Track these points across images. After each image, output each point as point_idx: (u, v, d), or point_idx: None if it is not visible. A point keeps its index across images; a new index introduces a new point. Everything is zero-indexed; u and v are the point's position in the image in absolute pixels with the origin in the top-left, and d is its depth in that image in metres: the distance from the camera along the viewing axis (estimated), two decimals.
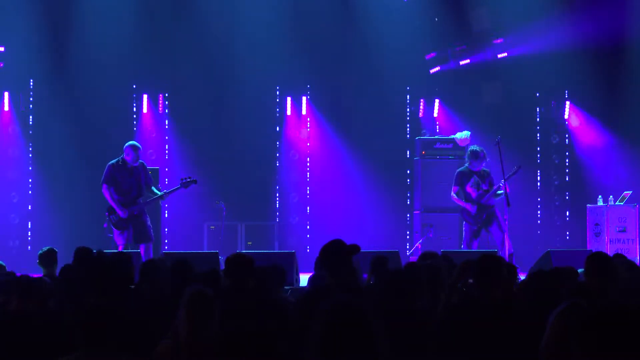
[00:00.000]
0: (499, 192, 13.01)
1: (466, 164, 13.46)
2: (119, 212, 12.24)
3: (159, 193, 12.51)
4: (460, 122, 16.26)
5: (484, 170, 13.34)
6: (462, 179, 13.42)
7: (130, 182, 12.39)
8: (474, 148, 13.42)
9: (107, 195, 12.32)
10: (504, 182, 12.72)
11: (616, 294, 5.97)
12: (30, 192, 15.93)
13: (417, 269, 6.12)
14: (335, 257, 5.89)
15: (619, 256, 8.48)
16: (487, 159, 13.37)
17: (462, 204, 13.37)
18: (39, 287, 6.07)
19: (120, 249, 12.19)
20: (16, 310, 5.78)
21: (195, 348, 4.56)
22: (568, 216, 16.93)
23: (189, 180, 12.51)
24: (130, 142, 12.60)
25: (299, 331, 4.73)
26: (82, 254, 7.88)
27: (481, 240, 13.42)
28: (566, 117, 16.85)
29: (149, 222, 12.46)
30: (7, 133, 15.86)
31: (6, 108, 15.76)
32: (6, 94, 15.72)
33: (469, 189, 13.36)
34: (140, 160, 12.59)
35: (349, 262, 5.95)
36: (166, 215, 15.86)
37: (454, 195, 13.47)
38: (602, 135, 16.60)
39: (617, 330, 3.06)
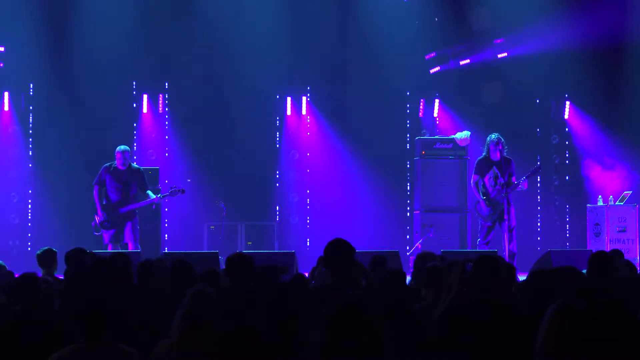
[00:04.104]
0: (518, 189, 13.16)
1: (484, 153, 13.41)
2: (98, 215, 12.87)
3: (152, 195, 12.93)
4: (460, 122, 16.26)
5: (504, 159, 13.14)
6: (481, 168, 13.31)
7: (118, 186, 12.90)
8: (492, 136, 13.34)
9: (95, 197, 12.95)
10: (524, 179, 13.02)
11: (618, 293, 5.98)
12: (30, 192, 15.94)
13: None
14: (338, 256, 5.91)
15: (616, 252, 8.50)
16: (506, 148, 13.28)
17: (478, 196, 13.36)
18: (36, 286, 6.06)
19: (109, 248, 12.69)
20: (15, 310, 5.77)
21: (191, 348, 4.56)
22: (568, 216, 16.93)
23: (176, 190, 13.00)
24: (118, 147, 13.04)
25: (302, 330, 4.74)
26: (73, 255, 7.89)
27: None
28: (566, 117, 16.85)
29: (136, 225, 12.92)
30: (7, 133, 15.86)
31: (6, 108, 15.77)
32: (6, 94, 15.73)
33: (487, 181, 13.31)
34: (137, 166, 13.13)
35: (351, 261, 5.97)
36: (166, 218, 15.85)
37: (473, 184, 13.47)
38: (602, 135, 16.59)
39: (609, 331, 3.07)
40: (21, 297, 5.79)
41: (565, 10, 15.82)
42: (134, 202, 12.97)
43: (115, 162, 12.90)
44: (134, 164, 13.22)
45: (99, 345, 4.49)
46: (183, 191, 13.06)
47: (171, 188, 13.10)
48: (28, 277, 5.97)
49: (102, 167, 12.97)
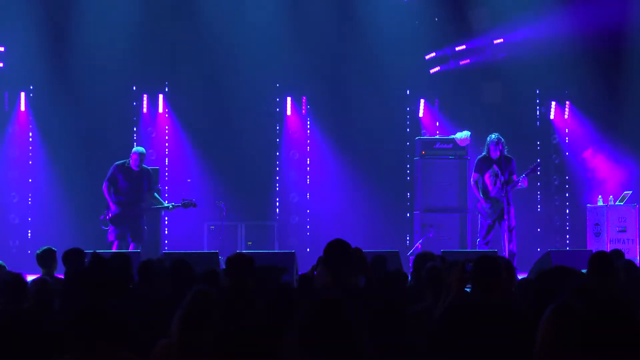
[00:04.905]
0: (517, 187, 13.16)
1: (484, 152, 13.41)
2: (110, 210, 12.91)
3: (164, 204, 13.16)
4: (460, 122, 16.24)
5: (505, 158, 13.15)
6: (481, 167, 13.32)
7: (130, 186, 12.95)
8: (492, 136, 13.34)
9: (105, 193, 12.96)
10: (524, 176, 13.04)
11: (618, 293, 5.99)
12: (30, 192, 15.93)
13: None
14: (338, 256, 5.91)
15: (616, 252, 8.51)
16: (507, 147, 13.29)
17: (478, 195, 13.36)
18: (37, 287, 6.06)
19: (114, 246, 12.75)
20: (15, 310, 5.77)
21: (191, 348, 4.56)
22: (568, 216, 16.92)
23: (188, 202, 13.08)
24: (135, 147, 13.23)
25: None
26: (71, 255, 7.89)
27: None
28: (566, 117, 16.85)
29: (144, 226, 13.06)
30: (7, 133, 15.86)
31: (6, 108, 15.77)
32: (6, 94, 15.73)
33: (487, 179, 13.31)
34: (146, 167, 13.22)
35: (350, 262, 5.97)
36: (166, 217, 15.85)
37: (473, 182, 13.47)
38: (602, 134, 16.59)
39: (609, 332, 3.07)
40: (8, 298, 5.79)
41: (565, 10, 15.81)
42: (144, 202, 13.05)
43: (130, 161, 12.95)
44: (145, 166, 13.24)
45: (96, 356, 4.33)
46: (195, 205, 13.10)
47: (183, 200, 13.17)
48: (14, 278, 5.96)
49: (114, 164, 13.02)
